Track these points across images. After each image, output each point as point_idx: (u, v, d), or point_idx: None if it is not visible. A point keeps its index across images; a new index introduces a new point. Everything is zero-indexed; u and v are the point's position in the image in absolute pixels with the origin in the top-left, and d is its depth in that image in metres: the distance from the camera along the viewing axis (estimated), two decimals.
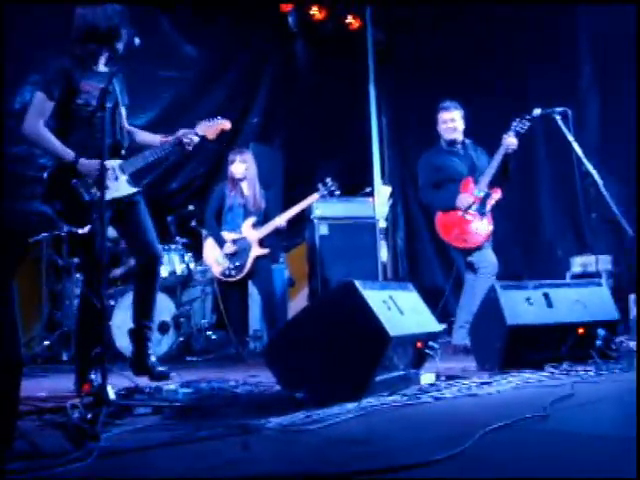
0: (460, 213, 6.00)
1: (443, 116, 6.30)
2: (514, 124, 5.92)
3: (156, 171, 8.02)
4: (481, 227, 5.98)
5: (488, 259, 6.00)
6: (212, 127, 4.54)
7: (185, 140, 4.34)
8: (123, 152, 4.29)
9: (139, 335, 4.29)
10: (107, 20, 4.09)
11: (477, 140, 6.31)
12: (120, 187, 4.20)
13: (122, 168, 4.22)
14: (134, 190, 4.27)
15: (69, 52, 4.20)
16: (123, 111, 4.41)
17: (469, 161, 6.20)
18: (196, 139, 4.42)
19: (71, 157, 4.03)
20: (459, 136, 6.26)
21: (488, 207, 6.01)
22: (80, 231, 4.09)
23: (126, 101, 4.46)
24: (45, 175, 4.17)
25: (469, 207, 5.95)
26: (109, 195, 4.08)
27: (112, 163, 4.17)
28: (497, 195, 6.07)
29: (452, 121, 6.25)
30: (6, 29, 6.85)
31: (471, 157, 6.23)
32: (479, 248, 6.01)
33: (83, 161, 3.99)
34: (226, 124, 4.62)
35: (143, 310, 4.32)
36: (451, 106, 6.30)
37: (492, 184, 6.03)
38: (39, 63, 7.57)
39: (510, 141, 5.90)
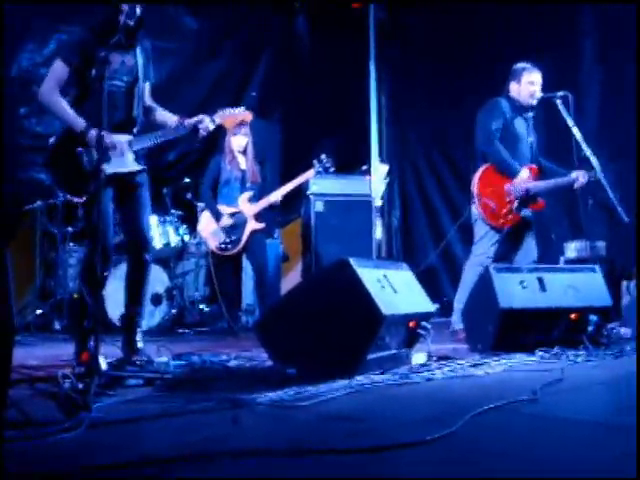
0: (507, 186, 5.65)
1: (529, 77, 5.74)
2: (591, 175, 5.53)
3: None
4: (509, 217, 5.65)
5: (487, 250, 5.70)
6: (232, 117, 4.44)
7: (201, 127, 4.27)
8: (136, 128, 4.23)
9: (129, 321, 4.28)
10: None
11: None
12: (125, 163, 4.14)
13: (130, 144, 4.17)
14: (138, 167, 4.21)
15: (90, 24, 4.16)
16: (147, 86, 4.35)
17: (531, 135, 5.86)
18: (212, 127, 4.33)
19: (82, 126, 3.98)
20: (535, 103, 5.78)
21: (527, 208, 5.74)
22: (76, 200, 4.07)
23: (151, 77, 4.39)
24: (51, 141, 4.15)
25: (521, 190, 5.62)
26: (112, 169, 4.06)
27: (121, 138, 4.13)
28: (540, 205, 5.76)
29: (538, 84, 5.75)
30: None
31: (531, 131, 5.87)
32: (494, 229, 5.70)
33: (93, 132, 3.94)
34: (247, 115, 4.54)
35: (133, 296, 4.30)
36: (537, 69, 5.78)
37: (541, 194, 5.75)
38: (34, 31, 7.55)
39: (580, 182, 5.52)
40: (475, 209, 5.76)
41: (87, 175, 3.93)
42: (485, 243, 5.72)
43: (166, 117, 4.40)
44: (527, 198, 5.64)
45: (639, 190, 6.40)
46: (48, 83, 4.07)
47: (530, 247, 5.80)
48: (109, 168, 4.05)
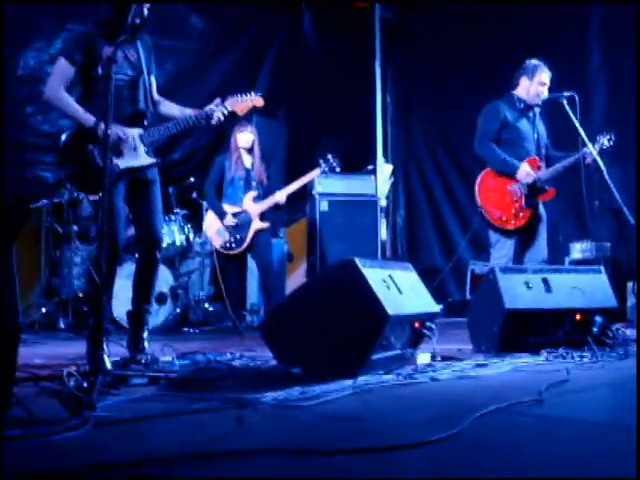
0: (509, 187, 5.69)
1: (542, 77, 5.74)
2: (600, 139, 5.53)
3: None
4: (520, 215, 5.68)
5: (507, 253, 5.71)
6: (243, 103, 4.44)
7: (215, 114, 4.27)
8: (145, 122, 4.23)
9: (137, 318, 4.27)
10: None
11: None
12: (137, 157, 4.14)
13: (142, 138, 4.17)
14: (152, 161, 4.20)
15: (95, 20, 4.16)
16: (153, 81, 4.35)
17: (536, 130, 5.84)
18: (224, 113, 4.33)
19: (91, 122, 3.98)
20: (540, 103, 5.82)
21: (536, 200, 5.72)
22: (91, 198, 4.07)
23: (153, 70, 4.39)
24: (62, 139, 4.14)
25: (527, 184, 5.64)
26: (125, 164, 4.07)
27: (132, 132, 4.13)
28: (550, 195, 5.75)
29: (547, 85, 5.76)
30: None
31: (537, 127, 5.87)
32: (506, 234, 5.72)
33: (103, 126, 3.92)
34: (259, 100, 4.54)
35: (142, 293, 4.30)
36: (547, 67, 5.77)
37: (550, 182, 5.74)
38: (42, 29, 7.56)
39: (592, 155, 5.47)
40: (484, 217, 5.80)
41: (100, 172, 3.92)
42: (502, 246, 5.75)
43: (175, 109, 4.40)
44: (535, 190, 5.64)
45: (639, 190, 6.39)
46: (53, 81, 4.07)
47: (541, 246, 5.79)
48: (122, 163, 4.06)
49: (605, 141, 5.51)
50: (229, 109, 4.35)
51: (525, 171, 5.64)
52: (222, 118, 4.31)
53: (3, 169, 6.68)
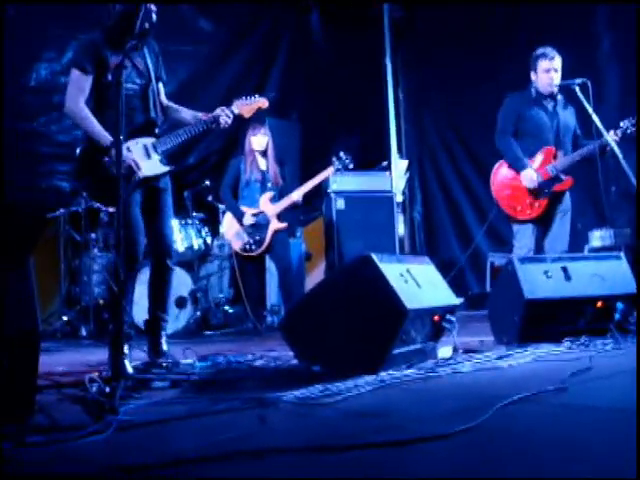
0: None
1: (544, 65, 5.68)
2: (624, 124, 5.47)
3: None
4: (535, 205, 5.66)
5: (527, 243, 5.69)
6: (249, 105, 4.46)
7: (222, 118, 4.28)
8: (157, 130, 4.24)
9: (154, 326, 4.29)
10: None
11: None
12: (152, 166, 4.15)
13: (155, 146, 4.17)
14: (166, 169, 4.21)
15: (101, 27, 4.16)
16: (161, 87, 4.35)
17: (556, 120, 5.75)
18: (231, 117, 4.33)
19: (106, 143, 3.95)
20: (555, 90, 5.71)
21: (552, 189, 5.66)
22: (111, 210, 4.08)
23: (163, 77, 4.39)
24: (77, 151, 4.15)
25: (534, 187, 5.62)
26: (140, 174, 4.08)
27: (145, 141, 4.14)
28: (567, 184, 5.70)
29: (555, 71, 5.67)
30: (21, 7, 6.86)
31: (558, 116, 5.77)
32: (524, 224, 5.71)
33: None
34: (264, 102, 4.55)
35: (157, 301, 4.31)
36: (554, 54, 5.68)
37: (568, 171, 5.68)
38: (53, 40, 7.59)
39: (612, 142, 5.38)
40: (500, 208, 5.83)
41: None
42: (522, 236, 5.74)
43: (185, 114, 4.41)
44: (550, 180, 5.61)
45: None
46: (70, 95, 4.06)
47: (561, 236, 5.75)
48: (139, 172, 4.07)
49: (630, 126, 5.47)
50: (235, 112, 4.36)
51: (528, 176, 5.65)
52: (229, 121, 4.32)
53: (19, 179, 6.73)
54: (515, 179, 5.72)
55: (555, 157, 5.66)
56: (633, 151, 6.19)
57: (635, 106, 6.43)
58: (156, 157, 4.17)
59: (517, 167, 5.71)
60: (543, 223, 5.74)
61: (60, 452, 2.20)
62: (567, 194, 5.77)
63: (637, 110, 6.19)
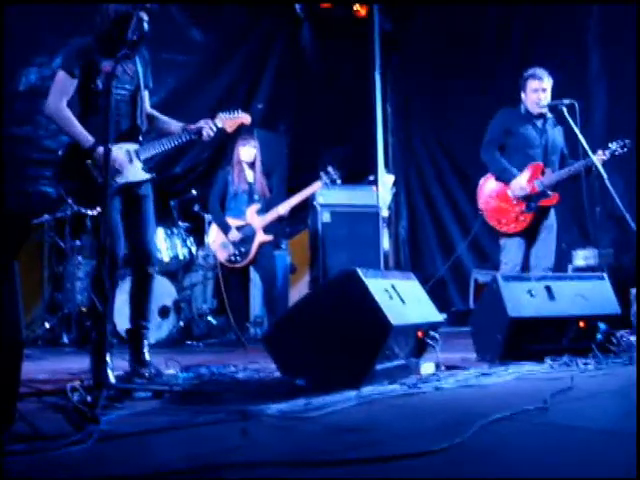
0: (510, 191, 5.70)
1: (533, 85, 5.71)
2: (613, 146, 5.50)
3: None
4: (520, 218, 5.68)
5: (513, 258, 5.71)
6: (232, 120, 4.48)
7: (205, 131, 4.30)
8: (141, 137, 4.25)
9: (136, 335, 4.27)
10: (122, 4, 4.03)
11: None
12: (134, 172, 4.15)
13: (137, 153, 4.18)
14: (148, 176, 4.22)
15: (93, 33, 4.16)
16: (146, 95, 4.36)
17: (545, 137, 5.78)
18: (214, 129, 4.35)
19: (89, 144, 3.97)
20: (545, 110, 5.74)
21: (538, 204, 5.68)
22: (90, 213, 4.07)
23: (150, 84, 4.39)
24: (59, 153, 4.15)
25: (521, 197, 5.65)
26: (122, 179, 4.08)
27: (128, 147, 4.14)
28: (553, 200, 5.72)
29: (543, 91, 5.70)
30: (10, 11, 6.84)
31: (547, 134, 5.80)
32: (510, 237, 5.73)
33: (100, 149, 3.90)
34: (246, 118, 4.57)
35: (139, 310, 4.30)
36: (543, 74, 5.72)
37: (555, 187, 5.72)
38: (43, 44, 7.58)
39: (601, 159, 5.42)
40: (485, 221, 5.85)
41: (98, 187, 3.91)
42: (509, 252, 5.77)
43: (168, 124, 4.42)
44: (536, 195, 5.65)
45: (639, 196, 6.39)
46: (54, 95, 4.06)
47: (546, 252, 5.77)
48: (119, 178, 4.07)
49: (618, 148, 5.51)
50: (218, 125, 4.38)
51: (518, 184, 5.68)
52: (211, 134, 4.33)
53: (5, 184, 6.70)
54: (502, 191, 5.75)
55: (543, 173, 5.70)
56: (618, 170, 6.25)
57: (623, 126, 6.50)
58: (138, 164, 4.17)
59: (505, 178, 5.74)
60: (529, 237, 5.77)
61: (41, 461, 2.18)
62: (552, 210, 5.81)
63: (637, 124, 6.24)
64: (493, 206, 5.80)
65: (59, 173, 4.17)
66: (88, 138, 3.99)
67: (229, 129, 4.50)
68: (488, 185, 5.89)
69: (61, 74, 4.08)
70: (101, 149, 3.84)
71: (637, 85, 6.94)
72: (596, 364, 4.21)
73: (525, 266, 5.76)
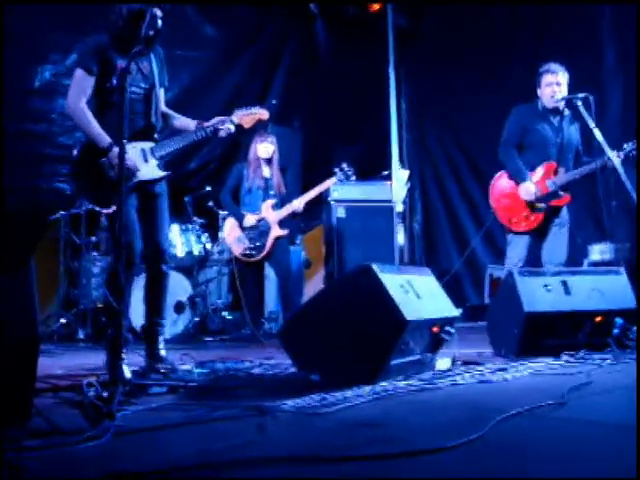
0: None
1: (547, 79, 5.68)
2: (627, 146, 5.43)
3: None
4: (530, 218, 5.67)
5: (519, 253, 5.70)
6: (249, 116, 4.45)
7: (221, 128, 4.29)
8: (156, 135, 4.25)
9: (151, 331, 4.28)
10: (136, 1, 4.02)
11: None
12: (150, 170, 4.16)
13: (153, 151, 4.18)
14: (163, 174, 4.22)
15: (108, 31, 4.16)
16: (161, 93, 4.35)
17: (561, 135, 5.74)
18: (232, 128, 4.34)
19: (105, 144, 3.98)
20: (561, 105, 5.70)
21: (549, 204, 5.66)
22: (105, 211, 4.08)
23: (166, 83, 4.39)
24: (74, 152, 4.16)
25: (530, 200, 5.63)
26: (136, 177, 4.08)
27: (143, 145, 4.14)
28: (564, 200, 5.70)
29: (557, 85, 5.65)
30: (25, 9, 6.87)
31: (563, 131, 5.74)
32: (518, 235, 5.73)
33: (115, 150, 3.89)
34: (264, 114, 4.54)
35: (153, 307, 4.30)
36: (558, 69, 5.69)
37: (566, 187, 5.69)
38: (58, 42, 7.60)
39: (615, 161, 5.33)
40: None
41: (113, 185, 3.90)
42: (515, 246, 5.75)
43: (184, 122, 4.42)
44: (548, 195, 5.62)
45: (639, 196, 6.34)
46: (73, 95, 4.07)
47: (558, 249, 5.73)
48: (135, 177, 4.07)
49: (632, 149, 5.46)
50: (235, 122, 4.36)
51: (526, 189, 5.67)
52: (230, 132, 4.32)
53: (21, 180, 6.73)
54: (513, 190, 5.73)
55: (556, 172, 5.67)
56: (632, 170, 6.20)
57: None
58: (154, 162, 4.17)
59: (517, 179, 5.73)
60: (539, 235, 5.75)
61: (57, 457, 2.19)
62: (564, 209, 5.78)
63: (637, 120, 6.20)
64: (504, 205, 5.78)
65: (74, 172, 4.19)
66: (105, 138, 4.00)
67: (246, 125, 4.48)
68: (501, 182, 5.87)
69: (79, 72, 4.08)
70: (116, 150, 3.79)
71: (637, 85, 6.89)
72: (613, 359, 4.18)
73: (536, 262, 5.73)
